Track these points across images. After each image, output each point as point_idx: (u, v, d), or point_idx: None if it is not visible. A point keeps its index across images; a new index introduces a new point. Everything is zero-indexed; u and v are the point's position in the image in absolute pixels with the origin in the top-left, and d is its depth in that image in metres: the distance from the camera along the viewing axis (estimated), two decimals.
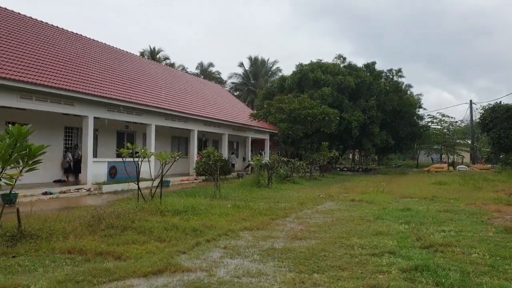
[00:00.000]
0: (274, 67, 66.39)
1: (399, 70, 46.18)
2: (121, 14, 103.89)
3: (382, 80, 43.92)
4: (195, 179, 25.04)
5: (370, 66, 45.12)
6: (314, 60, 44.39)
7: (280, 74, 59.73)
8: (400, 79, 46.35)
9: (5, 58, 15.39)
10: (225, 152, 29.95)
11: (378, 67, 45.59)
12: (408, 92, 48.52)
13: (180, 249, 7.18)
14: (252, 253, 7.12)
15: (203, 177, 24.49)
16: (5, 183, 7.51)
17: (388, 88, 42.79)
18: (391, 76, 45.84)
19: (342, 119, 36.78)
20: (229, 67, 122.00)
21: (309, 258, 6.74)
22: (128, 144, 12.39)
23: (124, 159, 12.30)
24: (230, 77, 67.14)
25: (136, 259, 6.47)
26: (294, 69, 44.54)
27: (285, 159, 23.27)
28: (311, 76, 40.50)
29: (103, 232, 8.01)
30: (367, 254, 7.02)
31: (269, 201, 14.39)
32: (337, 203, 14.63)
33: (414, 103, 45.79)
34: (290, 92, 39.95)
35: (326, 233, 8.94)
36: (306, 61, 53.79)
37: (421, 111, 50.48)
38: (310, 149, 35.34)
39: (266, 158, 28.86)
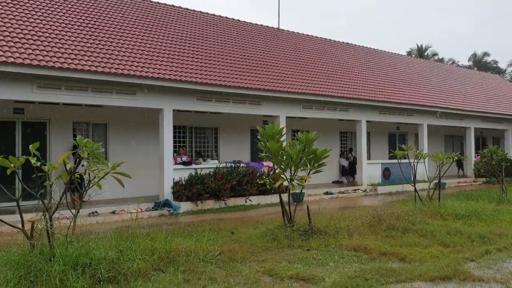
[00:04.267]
0: None
1: None
2: (386, 18, 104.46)
3: None
4: (474, 181, 23.34)
5: None
6: None
7: None
8: None
9: (289, 75, 17.67)
10: (510, 151, 26.44)
11: None
12: None
13: (467, 256, 6.77)
14: None
15: (483, 179, 22.64)
16: (297, 183, 8.65)
17: None
18: None
19: None
20: (509, 54, 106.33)
21: None
22: (403, 145, 12.44)
23: (399, 160, 12.41)
24: (510, 65, 58.63)
25: (420, 262, 6.43)
26: None
27: None
28: None
29: (384, 233, 8.22)
30: None
31: None
32: None
33: None
34: None
35: None
36: None
37: None
38: None
39: None
